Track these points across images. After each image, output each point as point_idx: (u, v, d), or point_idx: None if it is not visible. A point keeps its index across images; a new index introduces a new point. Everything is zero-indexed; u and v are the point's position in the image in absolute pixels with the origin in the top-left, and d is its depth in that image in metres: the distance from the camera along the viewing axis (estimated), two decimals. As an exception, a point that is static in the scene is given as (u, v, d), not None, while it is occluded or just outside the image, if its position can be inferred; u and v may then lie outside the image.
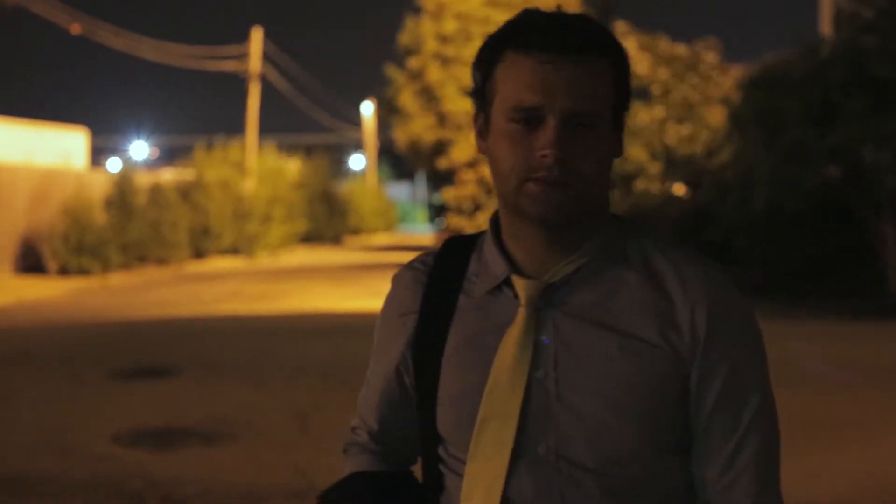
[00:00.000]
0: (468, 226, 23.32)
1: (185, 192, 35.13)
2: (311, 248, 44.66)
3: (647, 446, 1.77)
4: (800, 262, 19.33)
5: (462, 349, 1.84)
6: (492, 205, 23.31)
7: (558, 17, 1.77)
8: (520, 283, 1.81)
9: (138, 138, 61.46)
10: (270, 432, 8.81)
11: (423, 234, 55.91)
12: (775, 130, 18.04)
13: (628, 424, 1.75)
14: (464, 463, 1.82)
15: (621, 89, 1.80)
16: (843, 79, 17.76)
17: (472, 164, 23.85)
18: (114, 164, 45.43)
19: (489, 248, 1.87)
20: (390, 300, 1.97)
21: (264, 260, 37.40)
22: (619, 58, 1.79)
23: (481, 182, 23.53)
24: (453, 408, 1.84)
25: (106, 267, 28.49)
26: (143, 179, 33.38)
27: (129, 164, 33.66)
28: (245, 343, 14.18)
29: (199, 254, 35.16)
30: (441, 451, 1.89)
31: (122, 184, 30.65)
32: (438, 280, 1.90)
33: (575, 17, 1.78)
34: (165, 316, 18.07)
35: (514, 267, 1.83)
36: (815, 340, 14.29)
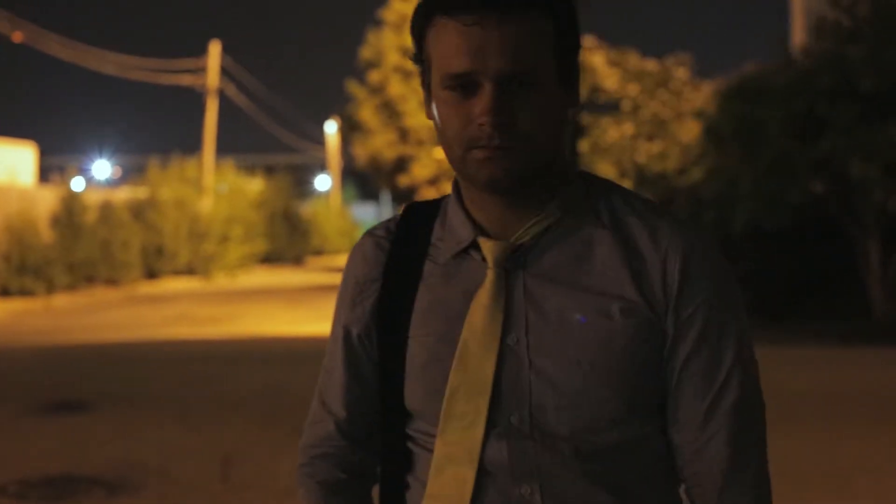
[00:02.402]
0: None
1: (138, 211, 33.93)
2: (270, 269, 43.56)
3: (624, 412, 1.68)
4: (781, 282, 18.36)
5: (428, 316, 1.75)
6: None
7: None
8: (487, 245, 1.74)
9: (100, 157, 60.23)
10: (185, 480, 7.53)
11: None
12: (756, 143, 17.02)
13: (605, 390, 1.67)
14: (432, 437, 1.73)
15: (564, 38, 1.68)
16: (828, 89, 16.78)
17: (433, 182, 22.70)
18: (77, 184, 44.41)
19: (454, 212, 1.79)
20: (350, 269, 1.87)
21: (221, 281, 36.30)
22: (557, 6, 1.68)
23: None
24: (421, 379, 1.74)
25: (50, 288, 27.19)
26: (94, 197, 32.16)
27: (92, 183, 32.64)
28: (180, 372, 12.88)
29: (152, 274, 33.96)
30: (410, 428, 1.78)
31: (70, 201, 29.41)
32: (402, 246, 1.81)
33: None
34: (100, 341, 16.79)
35: (481, 230, 1.75)
36: (802, 368, 13.27)
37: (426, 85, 1.75)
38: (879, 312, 17.60)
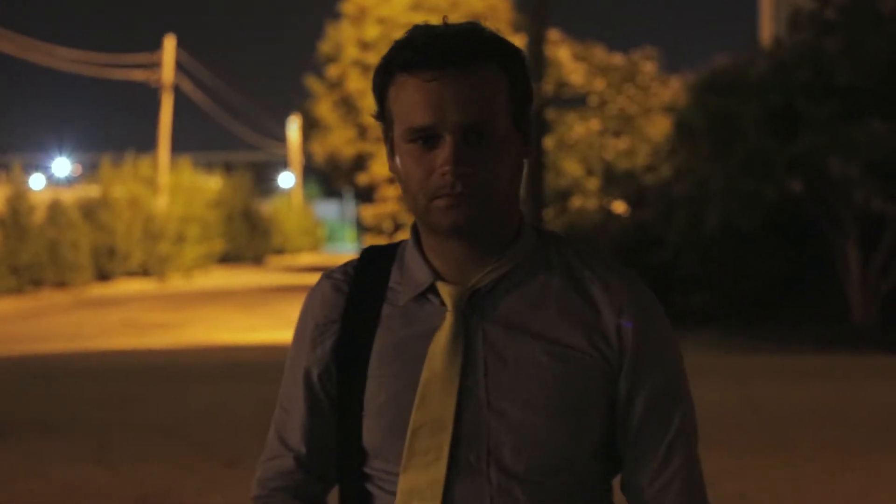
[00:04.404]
0: (387, 247, 21.26)
1: (89, 210, 32.79)
2: (229, 270, 42.57)
3: (575, 454, 1.80)
4: (756, 285, 17.59)
5: (387, 357, 1.82)
6: (414, 223, 21.32)
7: (440, 32, 1.78)
8: (445, 289, 1.82)
9: (59, 154, 58.98)
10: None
11: (351, 253, 53.90)
12: (730, 139, 16.16)
13: (558, 431, 1.78)
14: (392, 476, 1.80)
15: (517, 90, 1.81)
16: (805, 83, 15.95)
17: (393, 180, 21.76)
18: (36, 181, 43.41)
19: (411, 257, 1.87)
20: (309, 311, 1.92)
21: (177, 282, 35.32)
22: (510, 58, 1.80)
23: (403, 199, 21.48)
24: (381, 417, 1.81)
25: (-6, 292, 26.10)
26: (42, 197, 31.08)
27: (52, 181, 32.01)
28: (107, 392, 11.82)
29: (103, 276, 32.86)
30: (367, 467, 1.85)
31: (15, 201, 28.30)
32: (361, 289, 1.89)
33: (457, 28, 1.79)
34: (31, 353, 15.75)
35: (438, 275, 1.83)
36: (780, 378, 12.48)
37: (389, 140, 1.83)
38: (858, 317, 16.85)
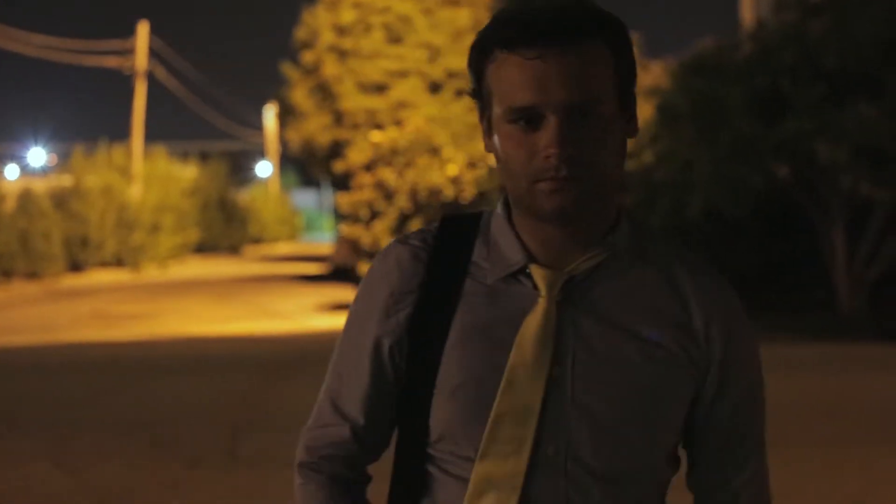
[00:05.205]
0: (364, 235, 20.81)
1: (61, 200, 32.28)
2: (205, 259, 42.16)
3: (653, 454, 1.76)
4: (742, 273, 17.20)
5: (469, 336, 1.74)
6: (391, 212, 20.84)
7: (541, 7, 1.71)
8: (540, 273, 1.74)
9: (35, 144, 58.37)
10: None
11: (328, 242, 53.53)
12: (715, 124, 15.76)
13: (640, 431, 1.73)
14: (462, 460, 1.73)
15: (622, 67, 1.73)
16: (791, 65, 15.57)
17: (369, 167, 21.29)
18: (11, 172, 42.92)
19: (502, 233, 1.79)
20: (381, 276, 1.80)
21: (151, 272, 34.88)
22: (615, 35, 1.73)
23: (380, 186, 20.96)
24: (455, 398, 1.73)
25: (-38, 283, 25.59)
26: (12, 186, 30.59)
27: (27, 171, 31.71)
28: (75, 386, 11.38)
29: (76, 266, 32.34)
30: (430, 448, 1.76)
31: (-17, 191, 27.77)
32: (442, 260, 1.79)
33: (559, 2, 1.71)
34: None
35: (532, 257, 1.76)
36: (771, 370, 11.73)
37: (486, 118, 1.76)
38: (845, 306, 16.50)
